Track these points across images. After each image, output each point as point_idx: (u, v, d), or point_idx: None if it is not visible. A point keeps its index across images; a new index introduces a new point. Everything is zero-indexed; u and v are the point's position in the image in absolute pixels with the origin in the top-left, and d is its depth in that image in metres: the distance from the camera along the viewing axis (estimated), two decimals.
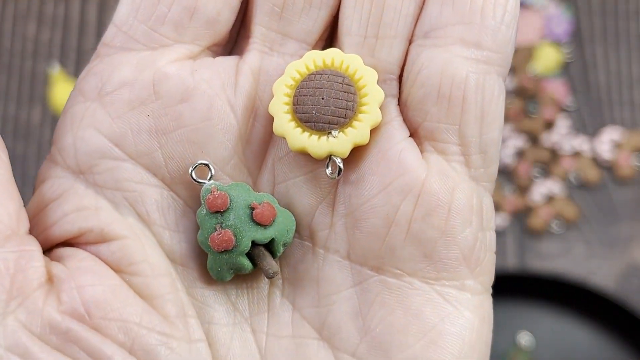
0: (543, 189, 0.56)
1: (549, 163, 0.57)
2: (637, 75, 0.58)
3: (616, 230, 0.56)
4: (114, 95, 0.21)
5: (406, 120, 0.22)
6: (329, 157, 0.21)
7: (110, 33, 0.22)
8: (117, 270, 0.21)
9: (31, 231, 0.21)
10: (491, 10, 0.21)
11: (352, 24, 0.21)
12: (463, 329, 0.21)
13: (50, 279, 0.20)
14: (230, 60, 0.22)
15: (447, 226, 0.21)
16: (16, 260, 0.19)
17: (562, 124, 0.57)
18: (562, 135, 0.57)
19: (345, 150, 0.21)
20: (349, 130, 0.21)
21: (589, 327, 0.53)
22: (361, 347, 0.21)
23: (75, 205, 0.21)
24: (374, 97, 0.21)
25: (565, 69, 0.59)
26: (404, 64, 0.22)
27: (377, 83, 0.21)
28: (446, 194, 0.21)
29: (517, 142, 0.57)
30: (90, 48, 0.59)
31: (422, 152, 0.21)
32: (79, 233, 0.21)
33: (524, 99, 0.58)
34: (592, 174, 0.56)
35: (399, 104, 0.22)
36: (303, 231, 0.22)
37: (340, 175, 0.21)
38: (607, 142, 0.57)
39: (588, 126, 0.58)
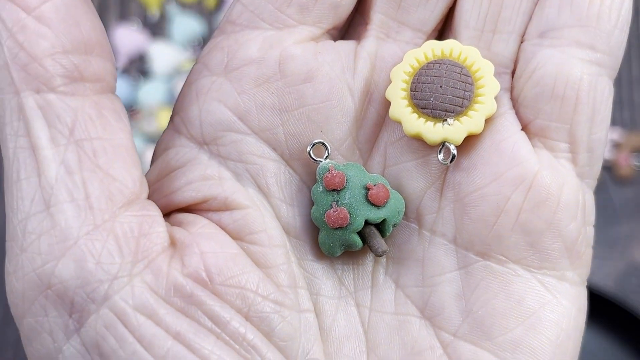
0: None
1: None
2: (637, 75, 0.58)
3: (616, 230, 0.56)
4: (241, 71, 0.22)
5: (517, 114, 0.22)
6: (443, 144, 0.22)
7: (236, 11, 0.23)
8: (237, 238, 0.21)
9: (153, 196, 0.22)
10: (607, 14, 0.22)
11: (471, 18, 0.22)
12: (561, 317, 0.22)
13: (173, 243, 0.21)
14: (349, 45, 0.23)
15: (554, 219, 0.22)
16: (140, 224, 0.20)
17: None
18: None
19: (460, 138, 0.22)
20: (464, 118, 0.22)
21: (589, 327, 0.53)
22: (463, 328, 0.22)
23: (200, 173, 0.22)
24: (490, 88, 0.22)
25: None
26: (516, 60, 0.23)
27: (494, 75, 0.22)
28: (556, 188, 0.22)
29: None
30: None
31: (532, 146, 0.22)
32: (203, 200, 0.22)
33: None
34: None
35: (510, 98, 0.22)
36: (410, 213, 0.23)
37: (452, 162, 0.22)
38: (607, 142, 0.57)
39: None
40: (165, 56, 0.59)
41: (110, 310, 0.19)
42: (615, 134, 0.57)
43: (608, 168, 0.57)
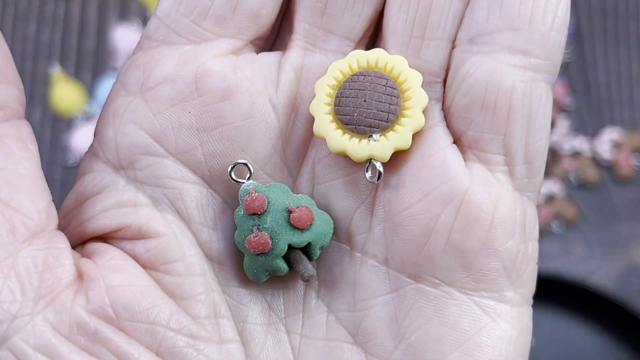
0: (543, 189, 0.56)
1: (548, 163, 0.57)
2: (637, 75, 0.58)
3: (616, 230, 0.56)
4: (156, 90, 0.21)
5: (449, 126, 0.21)
6: (369, 161, 0.21)
7: (152, 25, 0.22)
8: (150, 268, 0.21)
9: (68, 223, 0.21)
10: (541, 15, 0.20)
11: (398, 24, 0.21)
12: (500, 342, 0.21)
13: (80, 276, 0.20)
14: (272, 57, 0.22)
15: (488, 237, 0.20)
16: (45, 258, 0.19)
17: (562, 124, 0.57)
18: (562, 135, 0.57)
19: (386, 155, 0.21)
20: (390, 134, 0.21)
21: (589, 327, 0.53)
22: (395, 355, 0.21)
23: (115, 200, 0.21)
24: (417, 101, 0.21)
25: (565, 69, 0.59)
26: (448, 67, 0.21)
27: (422, 86, 0.21)
28: (489, 205, 0.20)
29: None
30: (90, 48, 0.59)
31: (465, 160, 0.21)
32: (117, 228, 0.21)
33: None
34: (591, 174, 0.56)
35: (442, 109, 0.21)
36: (341, 233, 0.22)
37: (380, 180, 0.21)
38: (607, 142, 0.57)
39: (588, 126, 0.58)
40: None
41: (9, 352, 0.18)
42: (615, 134, 0.57)
43: (608, 168, 0.57)
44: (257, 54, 0.22)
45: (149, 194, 0.21)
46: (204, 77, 0.21)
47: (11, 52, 0.21)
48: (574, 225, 0.56)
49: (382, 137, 0.21)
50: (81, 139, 0.58)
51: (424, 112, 0.21)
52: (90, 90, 0.59)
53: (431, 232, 0.20)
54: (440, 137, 0.21)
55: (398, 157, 0.21)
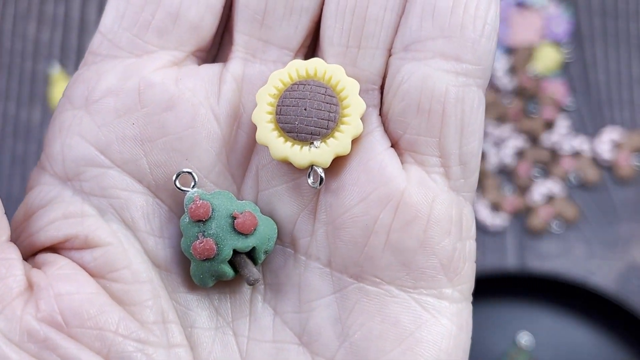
0: (543, 189, 0.56)
1: (548, 163, 0.57)
2: (637, 75, 0.58)
3: (616, 230, 0.56)
4: (100, 103, 0.22)
5: (387, 130, 0.22)
6: (311, 167, 0.22)
7: (96, 41, 0.22)
8: (98, 276, 0.21)
9: (18, 236, 0.22)
10: (471, 23, 0.21)
11: (334, 34, 0.22)
12: (440, 337, 0.21)
13: (30, 286, 0.20)
14: (213, 68, 0.22)
15: (425, 236, 0.21)
16: None
17: (562, 124, 0.57)
18: (562, 135, 0.57)
19: (327, 161, 0.21)
20: (330, 140, 0.21)
21: (589, 327, 0.53)
22: (340, 353, 0.22)
23: (62, 212, 0.21)
24: (355, 108, 0.21)
25: (565, 69, 0.59)
26: (385, 74, 0.22)
27: (359, 93, 0.22)
28: (425, 205, 0.21)
29: (517, 142, 0.57)
30: None
31: (402, 162, 0.22)
32: (64, 239, 0.21)
33: (523, 99, 0.58)
34: (592, 174, 0.56)
35: (380, 114, 0.22)
36: (285, 238, 0.22)
37: (322, 185, 0.22)
38: (607, 142, 0.57)
39: (588, 126, 0.58)
40: None
41: None
42: (616, 134, 0.57)
43: (608, 168, 0.57)
44: (198, 65, 0.23)
45: (95, 205, 0.22)
46: (147, 89, 0.21)
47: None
48: (574, 225, 0.56)
49: (323, 143, 0.21)
50: None
51: (361, 118, 0.21)
52: None
53: (370, 233, 0.21)
54: (377, 142, 0.22)
55: (338, 162, 0.22)
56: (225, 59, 0.23)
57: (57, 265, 0.21)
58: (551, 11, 0.60)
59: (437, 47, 0.21)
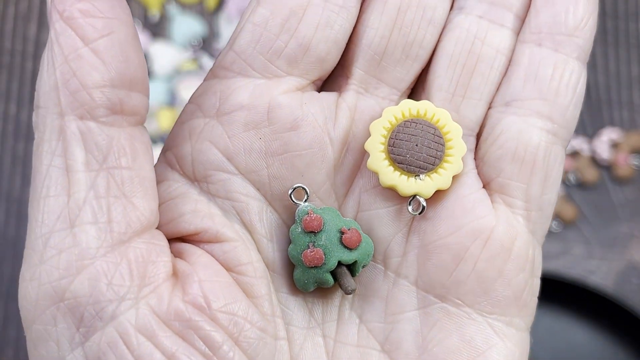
0: None
1: None
2: (636, 75, 0.58)
3: (615, 230, 0.56)
4: (231, 115, 0.24)
5: (480, 173, 0.25)
6: (414, 196, 0.24)
7: (229, 58, 0.24)
8: (227, 268, 0.23)
9: None
10: (564, 90, 0.24)
11: (444, 82, 0.24)
12: (506, 358, 0.24)
13: (175, 272, 0.22)
14: (332, 97, 0.25)
15: (505, 269, 0.24)
16: (149, 251, 0.22)
17: None
18: None
19: (430, 193, 0.24)
20: (434, 175, 0.24)
21: (588, 327, 0.54)
22: None
23: (191, 207, 0.24)
24: (458, 150, 0.24)
25: None
26: (483, 123, 0.25)
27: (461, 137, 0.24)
28: (509, 242, 0.24)
29: None
30: None
31: (492, 202, 0.24)
32: (195, 232, 0.23)
33: None
34: (591, 173, 0.57)
35: (474, 158, 0.25)
36: (378, 255, 0.25)
37: (422, 213, 0.24)
38: (606, 142, 0.57)
39: (587, 126, 0.58)
40: (165, 56, 0.59)
41: (114, 329, 0.21)
42: (615, 134, 0.57)
43: (607, 168, 0.57)
44: (317, 92, 0.25)
45: (219, 205, 0.24)
46: (275, 109, 0.24)
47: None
48: (573, 225, 0.56)
49: (427, 177, 0.24)
50: None
51: (461, 159, 0.24)
52: None
53: (460, 260, 0.24)
54: (473, 182, 0.24)
55: (437, 194, 0.24)
56: (335, 87, 0.25)
57: (196, 255, 0.23)
58: None
59: (535, 106, 0.24)
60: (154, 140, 0.58)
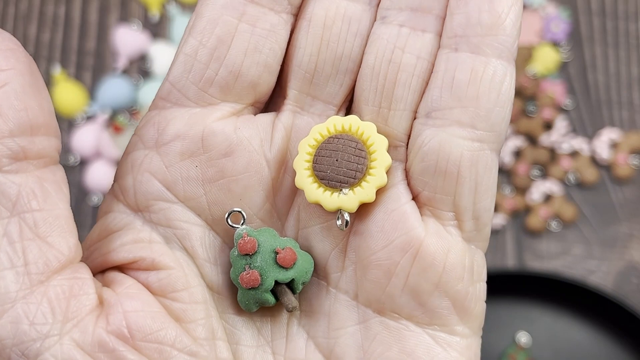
0: (542, 188, 0.57)
1: (547, 163, 0.57)
2: (636, 75, 0.59)
3: (614, 230, 0.56)
4: (169, 146, 0.24)
5: (409, 185, 0.24)
6: (339, 211, 0.24)
7: (165, 88, 0.25)
8: (160, 295, 0.24)
9: (92, 253, 0.25)
10: (486, 93, 0.23)
11: (369, 95, 0.25)
12: None
13: (100, 303, 0.23)
14: (268, 118, 0.25)
15: (440, 281, 0.24)
16: (71, 287, 0.22)
17: (561, 124, 0.58)
18: (561, 135, 0.57)
19: (353, 206, 0.24)
20: (357, 189, 0.24)
21: (588, 326, 0.54)
22: None
23: (133, 237, 0.24)
24: (381, 162, 0.24)
25: (564, 70, 0.59)
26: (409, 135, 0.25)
27: (389, 149, 0.24)
28: (441, 254, 0.24)
29: (516, 142, 0.57)
30: (91, 49, 0.60)
31: (422, 214, 0.24)
32: (133, 260, 0.24)
33: (522, 99, 0.58)
34: (590, 173, 0.57)
35: (405, 169, 0.25)
36: (320, 271, 0.25)
37: (348, 228, 0.24)
38: (606, 141, 0.57)
39: (587, 126, 0.58)
40: (165, 57, 0.59)
41: None
42: (614, 134, 0.57)
43: (607, 168, 0.57)
44: (254, 114, 0.25)
45: (161, 233, 0.24)
46: (209, 136, 0.24)
47: None
48: (573, 225, 0.56)
49: (350, 191, 0.24)
50: (82, 139, 0.58)
51: (387, 171, 0.24)
52: (90, 91, 0.59)
53: (392, 275, 0.24)
54: (401, 194, 0.24)
55: (365, 209, 0.24)
56: (276, 108, 0.26)
57: (125, 285, 0.24)
58: (550, 11, 0.60)
59: (454, 116, 0.23)
60: None
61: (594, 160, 0.57)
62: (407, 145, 0.24)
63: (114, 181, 0.26)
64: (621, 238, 0.56)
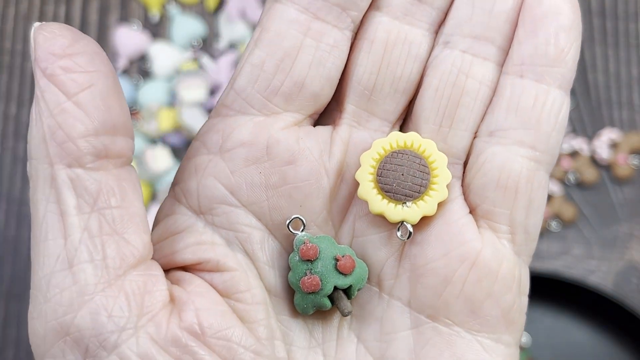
0: None
1: None
2: (636, 76, 0.59)
3: (614, 230, 0.56)
4: (233, 152, 0.25)
5: (467, 199, 0.26)
6: (402, 222, 0.26)
7: (230, 97, 0.26)
8: (225, 296, 0.25)
9: (155, 254, 0.25)
10: (546, 119, 0.25)
11: (430, 114, 0.26)
12: None
13: (172, 300, 0.24)
14: (326, 130, 0.26)
15: (493, 290, 0.25)
16: (145, 282, 0.23)
17: None
18: None
19: (416, 219, 0.25)
20: (420, 202, 0.26)
21: (588, 326, 0.54)
22: None
23: (195, 239, 0.25)
24: (443, 178, 0.26)
25: None
26: (468, 152, 0.26)
27: (447, 166, 0.26)
28: (496, 264, 0.25)
29: None
30: None
31: (478, 227, 0.26)
32: (197, 262, 0.25)
33: None
34: (590, 173, 0.57)
35: (461, 185, 0.26)
36: (373, 278, 0.27)
37: (409, 238, 0.26)
38: (606, 142, 0.57)
39: (587, 126, 0.58)
40: (165, 57, 0.59)
41: (118, 357, 0.22)
42: (614, 134, 0.57)
43: (607, 168, 0.57)
44: (313, 126, 0.27)
45: (223, 236, 0.25)
46: (273, 145, 0.25)
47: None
48: (573, 225, 0.56)
49: (414, 204, 0.26)
50: None
51: (447, 187, 0.26)
52: None
53: (448, 283, 0.25)
54: (459, 208, 0.26)
55: (425, 221, 0.26)
56: (330, 121, 0.27)
57: (194, 284, 0.25)
58: None
59: (518, 136, 0.25)
60: (154, 140, 0.58)
61: (594, 160, 0.57)
62: (465, 163, 0.26)
63: (175, 184, 0.26)
64: (621, 238, 0.56)
